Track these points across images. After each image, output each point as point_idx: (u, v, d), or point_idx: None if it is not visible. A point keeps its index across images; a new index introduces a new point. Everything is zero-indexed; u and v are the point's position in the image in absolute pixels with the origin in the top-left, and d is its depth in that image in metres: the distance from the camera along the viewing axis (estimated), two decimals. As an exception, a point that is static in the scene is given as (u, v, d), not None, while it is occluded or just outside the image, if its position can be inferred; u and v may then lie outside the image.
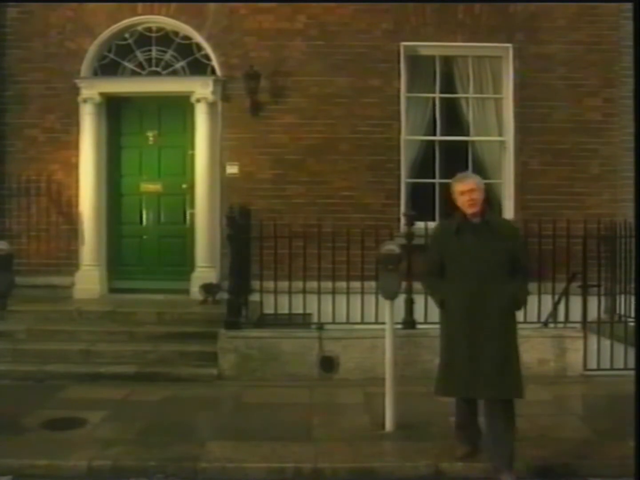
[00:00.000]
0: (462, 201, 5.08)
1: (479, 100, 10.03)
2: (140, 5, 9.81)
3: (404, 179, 9.80)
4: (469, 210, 5.04)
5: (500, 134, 9.96)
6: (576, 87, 9.72)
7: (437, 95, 9.97)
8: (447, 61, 10.03)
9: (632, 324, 7.43)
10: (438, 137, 9.91)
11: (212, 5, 9.74)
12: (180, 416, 6.42)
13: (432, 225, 8.19)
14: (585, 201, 9.59)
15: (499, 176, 9.89)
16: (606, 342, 7.80)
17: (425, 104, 10.01)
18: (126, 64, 10.03)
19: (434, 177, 9.84)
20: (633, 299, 7.66)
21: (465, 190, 5.05)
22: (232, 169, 9.75)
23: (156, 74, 9.99)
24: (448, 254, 5.11)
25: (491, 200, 9.66)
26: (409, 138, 9.86)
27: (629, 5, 8.89)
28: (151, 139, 10.11)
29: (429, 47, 9.87)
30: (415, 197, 9.85)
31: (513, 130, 9.76)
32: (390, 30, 9.73)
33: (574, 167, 9.69)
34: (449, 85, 10.04)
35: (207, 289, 9.19)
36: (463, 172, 5.39)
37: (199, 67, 9.94)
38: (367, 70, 9.70)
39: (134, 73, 10.03)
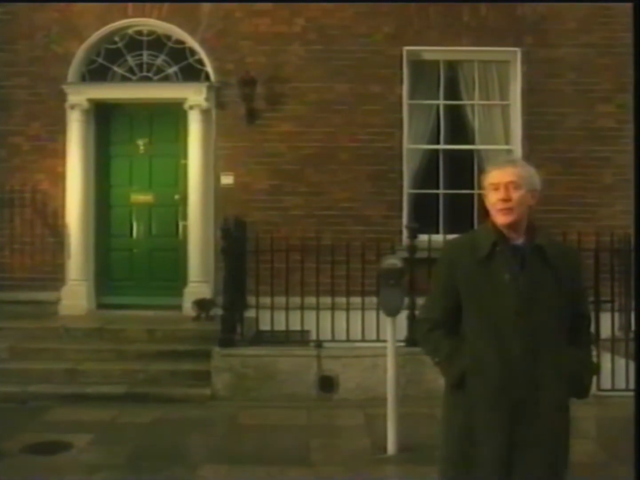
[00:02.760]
0: (492, 202, 3.31)
1: (485, 107, 10.03)
2: (130, 7, 9.82)
3: (407, 190, 9.79)
4: (500, 220, 3.27)
5: (507, 143, 9.96)
6: (587, 92, 9.72)
7: (441, 102, 9.98)
8: (452, 66, 10.04)
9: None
10: (442, 146, 9.91)
11: (206, 8, 9.76)
12: (172, 439, 6.40)
13: (436, 239, 8.21)
14: (598, 212, 9.56)
15: (506, 187, 9.85)
16: (621, 361, 7.76)
17: (429, 111, 10.02)
18: (116, 69, 10.04)
19: (437, 188, 9.84)
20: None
21: (501, 182, 3.27)
22: (226, 180, 9.74)
23: (147, 79, 10.00)
24: (469, 293, 3.29)
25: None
26: (412, 147, 9.85)
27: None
28: (142, 147, 10.11)
29: (432, 52, 9.88)
30: (418, 208, 9.82)
31: (521, 139, 9.75)
32: (392, 34, 9.74)
33: (586, 177, 9.66)
34: (453, 91, 10.05)
35: (201, 304, 9.16)
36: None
37: (192, 73, 9.95)
38: (367, 76, 9.70)
39: (124, 78, 10.03)
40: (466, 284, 3.27)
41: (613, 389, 7.64)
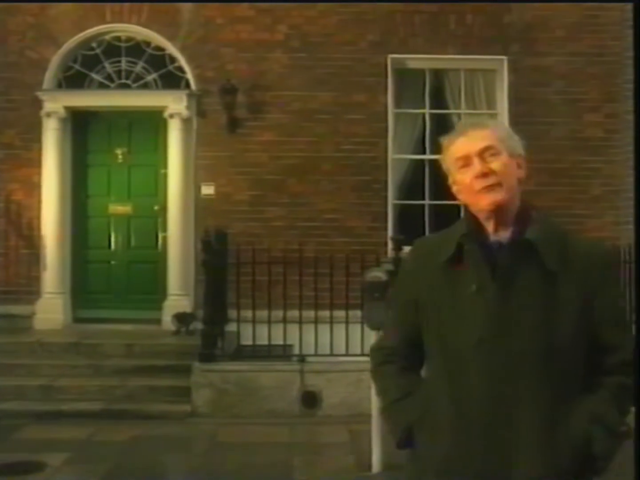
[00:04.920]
0: (466, 184, 2.28)
1: (472, 116, 10.03)
2: (108, 13, 9.80)
3: (392, 201, 9.83)
4: (485, 200, 2.22)
5: (494, 153, 9.97)
6: (576, 101, 9.80)
7: (427, 111, 10.04)
8: (438, 75, 10.11)
9: None
10: (428, 156, 9.93)
11: (186, 13, 9.76)
12: (151, 457, 6.38)
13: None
14: (586, 224, 9.57)
15: (493, 197, 9.89)
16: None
17: (414, 121, 10.07)
18: (93, 75, 10.02)
19: (423, 199, 9.87)
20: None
21: (472, 152, 2.26)
22: (207, 190, 9.74)
23: (126, 87, 10.00)
24: (428, 313, 2.31)
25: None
26: (397, 157, 9.90)
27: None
28: (120, 156, 10.09)
29: (418, 60, 9.95)
30: (403, 220, 9.86)
31: (508, 149, 9.76)
32: (377, 42, 9.79)
33: (574, 188, 9.71)
34: (439, 100, 10.11)
35: (180, 318, 9.13)
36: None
37: (172, 80, 9.96)
38: (352, 85, 9.73)
39: (102, 86, 10.03)
40: (426, 301, 2.31)
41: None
